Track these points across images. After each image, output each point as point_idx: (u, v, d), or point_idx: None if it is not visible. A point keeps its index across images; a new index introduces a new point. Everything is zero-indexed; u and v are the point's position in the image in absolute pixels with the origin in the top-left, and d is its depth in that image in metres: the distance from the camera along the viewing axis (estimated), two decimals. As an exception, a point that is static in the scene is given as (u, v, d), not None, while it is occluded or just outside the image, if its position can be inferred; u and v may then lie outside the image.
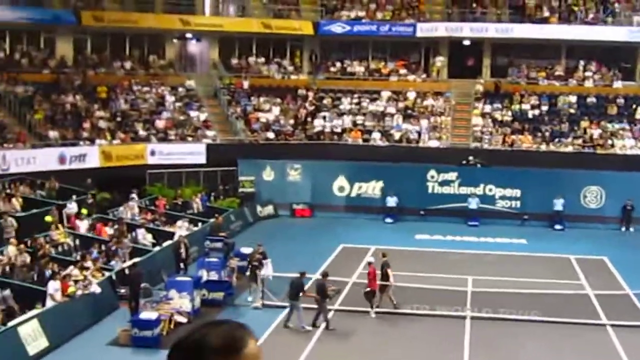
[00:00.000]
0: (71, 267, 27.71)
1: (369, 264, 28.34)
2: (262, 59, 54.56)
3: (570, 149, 47.22)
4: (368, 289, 27.67)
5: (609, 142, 47.41)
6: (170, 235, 35.18)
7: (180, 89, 50.36)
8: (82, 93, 46.92)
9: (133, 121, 46.46)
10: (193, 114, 48.61)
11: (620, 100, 50.36)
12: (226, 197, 44.50)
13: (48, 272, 26.96)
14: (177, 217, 38.23)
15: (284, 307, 27.23)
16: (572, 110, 50.14)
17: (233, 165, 45.43)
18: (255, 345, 2.47)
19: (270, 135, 48.36)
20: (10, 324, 23.28)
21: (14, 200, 35.14)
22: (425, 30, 52.61)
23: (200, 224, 38.09)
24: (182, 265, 31.12)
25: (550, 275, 33.04)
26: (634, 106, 49.94)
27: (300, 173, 45.76)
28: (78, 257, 30.07)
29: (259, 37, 53.82)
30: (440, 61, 53.97)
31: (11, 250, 28.82)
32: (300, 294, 25.87)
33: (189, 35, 53.64)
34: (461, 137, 49.14)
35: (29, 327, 23.42)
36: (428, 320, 27.00)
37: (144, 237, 34.38)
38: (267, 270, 28.90)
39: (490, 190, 44.77)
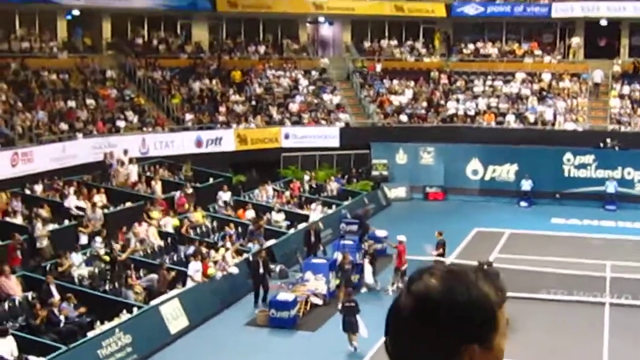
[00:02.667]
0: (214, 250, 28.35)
1: (400, 242, 28.65)
2: (395, 42, 54.47)
3: None
4: (396, 267, 28.28)
5: None
6: (305, 217, 35.55)
7: (313, 73, 50.72)
8: (217, 77, 47.76)
9: (267, 105, 47.05)
10: (326, 97, 48.92)
11: None
12: (359, 180, 44.66)
13: (190, 250, 27.72)
14: (312, 199, 38.57)
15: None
16: None
17: (366, 149, 45.58)
18: None
19: (403, 118, 48.26)
20: (153, 302, 23.99)
21: (153, 183, 36.04)
22: (561, 10, 51.57)
23: (334, 206, 38.34)
24: (315, 248, 31.30)
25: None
26: None
27: (433, 156, 45.56)
28: (217, 239, 30.71)
29: (392, 19, 53.75)
30: (576, 42, 52.83)
31: (152, 232, 29.65)
32: None
33: (321, 18, 53.96)
34: (598, 119, 48.07)
35: (171, 307, 24.13)
36: (566, 305, 26.61)
37: (278, 220, 34.85)
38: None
39: (629, 173, 43.66)
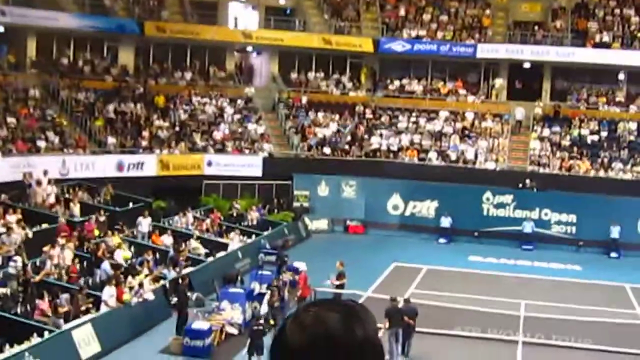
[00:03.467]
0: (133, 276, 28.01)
1: (299, 271, 30.11)
2: (322, 75, 54.72)
3: (629, 176, 46.68)
4: (300, 296, 28.84)
5: (669, 170, 46.84)
6: (224, 246, 35.40)
7: (239, 101, 50.69)
8: (142, 102, 47.42)
9: (191, 131, 46.83)
10: (251, 126, 48.88)
11: (682, 129, 49.72)
12: (280, 211, 44.65)
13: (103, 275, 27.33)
14: (231, 228, 38.43)
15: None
16: (632, 137, 49.58)
17: (288, 179, 45.63)
18: None
19: (327, 150, 48.43)
20: (65, 327, 23.55)
21: (72, 205, 35.54)
22: (486, 51, 52.40)
23: (254, 236, 38.27)
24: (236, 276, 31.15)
25: (605, 303, 32.63)
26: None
27: (355, 189, 45.82)
28: (135, 264, 30.37)
29: (319, 52, 53.99)
30: (499, 83, 53.69)
31: (67, 255, 29.16)
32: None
33: (249, 48, 54.00)
34: (518, 159, 48.81)
35: (83, 331, 23.69)
36: (480, 343, 26.82)
37: (197, 247, 34.64)
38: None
39: (546, 214, 44.45)
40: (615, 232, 42.95)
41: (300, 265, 31.57)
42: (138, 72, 50.30)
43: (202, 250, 34.64)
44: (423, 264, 37.59)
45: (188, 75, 51.27)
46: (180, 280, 28.35)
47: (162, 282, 29.09)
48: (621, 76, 53.25)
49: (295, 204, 45.24)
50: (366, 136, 49.89)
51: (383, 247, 40.81)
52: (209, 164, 44.71)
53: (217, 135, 47.13)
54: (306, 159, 47.86)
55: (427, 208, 45.37)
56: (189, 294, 27.81)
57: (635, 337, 27.74)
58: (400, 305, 25.42)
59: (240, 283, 30.61)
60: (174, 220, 38.38)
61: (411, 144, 49.21)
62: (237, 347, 25.27)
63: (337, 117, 51.18)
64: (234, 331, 26.48)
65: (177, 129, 46.73)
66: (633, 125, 50.16)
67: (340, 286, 29.40)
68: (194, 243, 34.91)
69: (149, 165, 42.85)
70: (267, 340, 22.95)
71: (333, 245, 40.98)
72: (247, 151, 46.80)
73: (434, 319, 27.81)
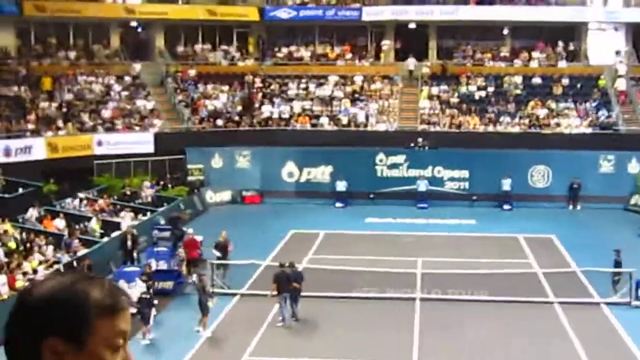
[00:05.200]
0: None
1: (187, 235, 31.15)
2: (209, 46, 54.26)
3: (517, 129, 47.54)
4: (186, 259, 29.97)
5: (555, 121, 47.82)
6: (118, 225, 34.98)
7: (126, 78, 49.89)
8: (26, 84, 46.31)
9: (79, 111, 45.97)
10: (140, 102, 48.22)
11: (565, 80, 50.76)
12: (175, 186, 44.26)
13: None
14: (125, 207, 37.98)
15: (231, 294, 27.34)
16: (518, 91, 50.47)
17: (181, 154, 45.24)
18: (128, 308, 2.33)
19: (219, 122, 48.13)
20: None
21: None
22: (371, 14, 52.65)
23: (149, 213, 37.92)
24: (131, 255, 30.93)
25: (499, 255, 33.30)
26: (579, 85, 50.40)
27: (249, 160, 45.70)
28: (25, 250, 29.80)
29: (205, 24, 53.50)
30: (386, 45, 54.00)
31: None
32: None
33: (133, 23, 53.11)
34: (409, 120, 49.25)
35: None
36: (379, 302, 27.09)
37: (95, 229, 34.17)
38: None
39: (439, 172, 45.02)
40: (506, 184, 43.78)
41: (189, 230, 32.00)
42: (20, 54, 49.04)
43: (98, 232, 34.17)
44: (321, 229, 37.76)
45: (72, 54, 50.18)
46: (77, 263, 27.93)
47: (56, 266, 28.58)
48: (505, 32, 54.10)
49: (190, 178, 44.92)
50: (257, 105, 49.72)
51: (280, 215, 40.85)
52: (99, 143, 43.95)
53: (106, 113, 46.38)
54: (198, 132, 47.48)
55: (322, 173, 45.52)
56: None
57: (529, 286, 28.42)
58: (287, 270, 25.65)
59: (137, 262, 30.36)
60: (65, 202, 37.71)
61: (302, 111, 49.24)
62: (135, 326, 25.02)
63: (226, 88, 50.86)
64: (132, 310, 26.18)
65: (64, 110, 45.79)
66: (518, 79, 51.04)
67: (223, 257, 29.56)
68: (91, 224, 34.44)
69: (37, 148, 41.86)
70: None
71: (230, 217, 40.83)
72: (137, 128, 46.19)
73: (333, 283, 28.02)
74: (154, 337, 24.16)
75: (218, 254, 29.58)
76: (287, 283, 25.24)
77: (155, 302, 24.98)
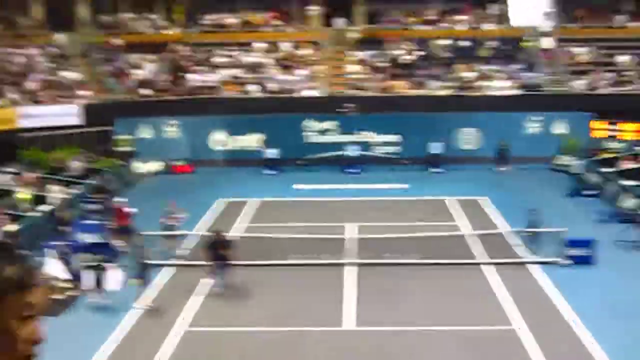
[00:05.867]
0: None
1: (115, 203, 31.42)
2: (134, 15, 53.58)
3: (445, 92, 47.85)
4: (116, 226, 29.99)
5: (483, 84, 48.21)
6: (46, 199, 34.51)
7: (49, 49, 49.07)
8: (-54, 58, 45.36)
9: (2, 84, 45.12)
10: (65, 74, 47.49)
11: (492, 43, 51.15)
12: (103, 158, 43.76)
13: None
14: (53, 180, 37.46)
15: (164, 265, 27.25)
16: (445, 54, 50.73)
17: (109, 125, 44.73)
18: (42, 287, 2.59)
19: (147, 92, 47.65)
20: None
21: None
22: (297, -21, 52.45)
23: (78, 185, 37.49)
24: (65, 228, 30.67)
25: (430, 217, 33.56)
26: (505, 47, 50.83)
27: (178, 129, 45.39)
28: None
29: (129, -8, 52.84)
30: (313, 10, 53.85)
31: None
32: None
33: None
34: (338, 85, 49.25)
35: None
36: (311, 269, 27.17)
37: (21, 202, 33.67)
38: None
39: (369, 137, 45.19)
40: (436, 147, 44.13)
41: (120, 199, 31.93)
42: (-62, 27, 47.96)
43: (28, 205, 33.66)
44: (252, 197, 37.70)
45: (-7, 25, 49.24)
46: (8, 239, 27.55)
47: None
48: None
49: (118, 149, 44.48)
50: (184, 74, 49.29)
51: (210, 184, 40.71)
52: (24, 116, 43.24)
53: (30, 86, 45.61)
54: (126, 102, 46.95)
55: (251, 141, 45.43)
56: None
57: (458, 247, 28.77)
58: (216, 238, 25.70)
59: (68, 235, 30.01)
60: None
61: (231, 79, 48.95)
62: (66, 303, 24.83)
63: (153, 57, 50.33)
64: (65, 286, 25.92)
65: (-14, 83, 44.94)
66: (445, 42, 51.29)
67: (171, 226, 29.35)
68: (20, 195, 33.97)
69: (-40, 123, 41.13)
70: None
71: (160, 187, 40.64)
72: (63, 100, 45.49)
73: (265, 251, 28.05)
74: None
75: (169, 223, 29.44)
76: (218, 251, 25.28)
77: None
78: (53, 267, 25.79)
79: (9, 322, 2.48)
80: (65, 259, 25.97)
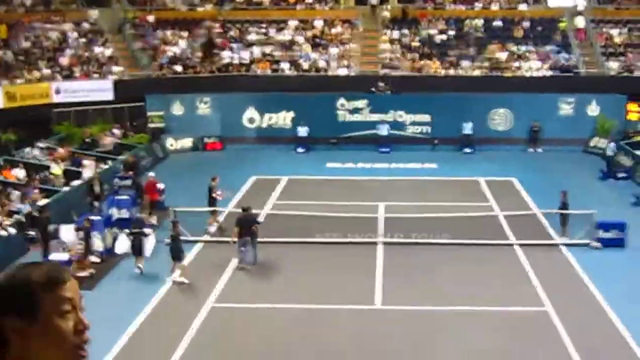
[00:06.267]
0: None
1: (148, 177, 32.39)
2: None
3: (478, 72, 47.60)
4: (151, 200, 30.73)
5: (516, 64, 47.91)
6: (79, 174, 34.72)
7: (83, 25, 49.22)
8: (-19, 32, 45.60)
9: (36, 59, 45.35)
10: (98, 49, 47.64)
11: (526, 23, 50.80)
12: (136, 134, 43.96)
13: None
14: (86, 155, 37.68)
15: (194, 242, 27.39)
16: (479, 34, 50.43)
17: (141, 101, 44.88)
18: (73, 280, 2.66)
19: (178, 68, 47.74)
20: None
21: None
22: (330, -44, 52.22)
23: (110, 161, 37.69)
24: (96, 203, 30.86)
25: (461, 198, 33.47)
26: (540, 28, 50.46)
27: (209, 106, 45.46)
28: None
29: (163, -31, 52.82)
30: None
31: None
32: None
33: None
34: (370, 64, 49.08)
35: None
36: (341, 248, 27.20)
37: (54, 177, 33.89)
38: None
39: (400, 116, 45.06)
40: (467, 128, 43.96)
41: (151, 174, 32.54)
42: (-27, 2, 48.22)
43: (61, 180, 33.89)
44: (282, 175, 37.74)
45: (28, 1, 49.40)
46: (39, 213, 27.78)
47: (16, 217, 28.38)
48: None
49: (150, 125, 44.65)
50: (217, 51, 49.30)
51: (242, 162, 40.74)
52: (57, 91, 43.38)
53: (63, 61, 45.82)
54: (158, 78, 47.06)
55: (283, 119, 45.43)
56: (50, 226, 27.22)
57: (490, 228, 28.67)
58: (247, 214, 25.93)
59: (99, 210, 30.18)
60: (24, 152, 37.35)
61: (263, 56, 48.91)
62: (100, 275, 25.03)
63: (186, 33, 50.37)
64: (96, 259, 26.15)
65: (20, 58, 45.15)
66: (479, 22, 50.99)
67: (214, 200, 30.02)
68: (53, 169, 34.20)
69: (-6, 97, 41.37)
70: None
71: (191, 164, 40.78)
72: (95, 75, 45.68)
73: (296, 228, 28.11)
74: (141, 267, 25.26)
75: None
76: (248, 227, 25.41)
77: (148, 231, 26.41)
78: (69, 235, 26.07)
79: (52, 320, 2.57)
80: (88, 233, 26.14)
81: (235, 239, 25.48)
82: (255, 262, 25.55)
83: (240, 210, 26.73)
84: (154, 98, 45.12)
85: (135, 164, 35.80)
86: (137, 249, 25.54)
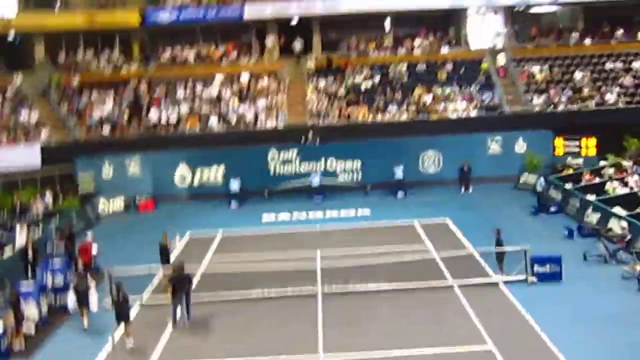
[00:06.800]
0: None
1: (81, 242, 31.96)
2: (91, 53, 53.40)
3: (405, 116, 48.03)
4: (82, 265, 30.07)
5: (442, 106, 48.46)
6: (12, 241, 34.18)
7: (7, 91, 48.74)
8: None
9: (-39, 128, 44.81)
10: (23, 115, 47.17)
11: (449, 65, 51.54)
12: (66, 198, 43.46)
13: None
14: (17, 222, 37.13)
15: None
16: (403, 79, 50.96)
17: (71, 164, 44.47)
18: None
19: (106, 130, 47.42)
20: None
21: None
22: (253, 11, 52.43)
23: (41, 226, 37.18)
24: (30, 270, 30.35)
25: (397, 242, 33.52)
26: (463, 70, 51.17)
27: (139, 166, 45.21)
28: None
29: (86, 31, 52.55)
30: (270, 41, 54.02)
31: None
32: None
33: (11, 35, 51.78)
34: (298, 114, 49.27)
35: None
36: (281, 300, 27.05)
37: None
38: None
39: (331, 164, 45.33)
40: (399, 172, 44.28)
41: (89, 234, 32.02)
42: None
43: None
44: (217, 230, 37.52)
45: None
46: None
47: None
48: (387, 21, 54.67)
49: (81, 188, 44.21)
50: (144, 111, 49.10)
51: (175, 220, 40.40)
52: (-16, 159, 42.88)
53: (-11, 128, 45.30)
54: (86, 141, 46.71)
55: (214, 174, 45.39)
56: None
57: (427, 270, 28.77)
58: (179, 272, 25.79)
59: (32, 277, 29.67)
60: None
61: (191, 113, 48.81)
62: (37, 343, 24.55)
63: (112, 94, 50.11)
64: (31, 328, 25.62)
65: (-56, 128, 44.56)
66: (403, 67, 51.56)
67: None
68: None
69: None
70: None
71: (125, 226, 40.42)
72: (22, 141, 45.16)
73: (233, 284, 27.91)
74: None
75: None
76: (182, 285, 25.29)
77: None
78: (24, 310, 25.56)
79: None
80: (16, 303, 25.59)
81: (170, 297, 25.25)
82: (188, 320, 25.32)
83: (172, 270, 26.41)
84: (83, 160, 44.79)
85: (67, 229, 35.31)
86: (82, 302, 25.64)
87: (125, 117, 48.50)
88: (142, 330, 24.95)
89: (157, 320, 25.66)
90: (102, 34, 53.39)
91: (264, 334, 24.13)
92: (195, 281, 27.79)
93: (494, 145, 45.56)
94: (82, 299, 25.89)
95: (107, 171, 45.14)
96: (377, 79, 51.10)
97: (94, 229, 39.40)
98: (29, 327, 25.49)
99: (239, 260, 31.17)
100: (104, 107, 49.09)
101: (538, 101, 48.42)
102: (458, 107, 48.34)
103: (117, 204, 44.31)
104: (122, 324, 24.05)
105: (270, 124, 48.09)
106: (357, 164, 45.37)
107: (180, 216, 41.45)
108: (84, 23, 51.67)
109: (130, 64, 52.98)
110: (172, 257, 31.34)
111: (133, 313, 26.05)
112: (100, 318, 25.58)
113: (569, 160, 44.77)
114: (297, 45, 53.49)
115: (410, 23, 54.69)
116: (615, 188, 37.03)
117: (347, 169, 45.49)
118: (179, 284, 25.27)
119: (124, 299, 24.20)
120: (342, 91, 50.17)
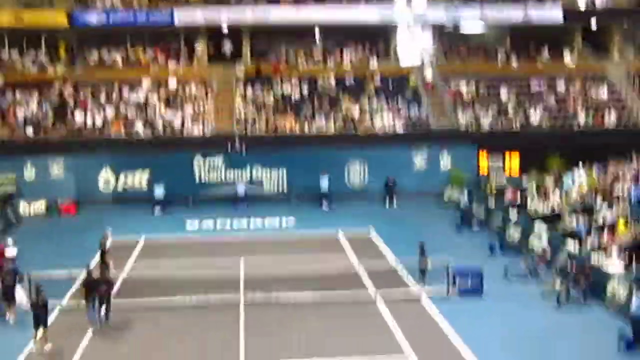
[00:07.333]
0: None
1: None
2: (16, 53, 52.59)
3: (332, 129, 48.15)
4: None
5: (369, 119, 48.69)
6: None
7: None
8: None
9: None
10: (-55, 113, 46.33)
11: (377, 79, 51.82)
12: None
13: None
14: None
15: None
16: (332, 91, 51.10)
17: (-9, 165, 43.81)
18: None
19: (30, 130, 46.68)
20: None
21: None
22: (183, 17, 52.13)
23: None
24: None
25: (320, 252, 33.58)
26: (391, 84, 51.51)
27: (63, 169, 44.63)
28: None
29: (11, 30, 51.70)
30: (200, 48, 53.82)
31: None
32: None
33: None
34: (225, 122, 49.07)
35: None
36: (203, 308, 26.85)
37: None
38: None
39: (257, 173, 45.30)
40: (324, 184, 44.39)
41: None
42: None
43: None
44: (140, 237, 37.12)
45: None
46: None
47: None
48: (317, 33, 54.83)
49: (1, 190, 43.47)
50: (69, 113, 48.44)
51: (98, 225, 39.77)
52: None
53: None
54: (9, 142, 45.95)
55: (139, 180, 45.03)
56: None
57: (349, 281, 28.84)
58: (94, 276, 25.93)
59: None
60: None
61: (116, 117, 48.30)
62: None
63: (36, 95, 49.34)
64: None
65: None
66: (332, 79, 51.70)
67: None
68: None
69: None
70: None
71: (45, 228, 39.84)
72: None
73: (153, 291, 27.62)
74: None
75: None
76: (94, 288, 25.29)
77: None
78: None
79: None
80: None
81: (83, 299, 25.25)
82: (106, 321, 25.08)
83: (86, 273, 26.11)
84: (5, 161, 44.03)
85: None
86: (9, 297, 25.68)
87: (50, 118, 47.79)
88: (62, 334, 24.54)
89: (77, 325, 25.26)
90: (28, 33, 52.55)
91: (185, 342, 23.89)
92: (116, 287, 27.50)
93: (419, 160, 45.97)
94: (8, 293, 25.71)
95: (29, 173, 44.44)
96: (305, 90, 51.13)
97: (14, 232, 38.84)
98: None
99: (161, 267, 30.88)
100: (29, 107, 48.33)
101: (464, 118, 48.97)
102: (385, 121, 48.60)
103: (39, 206, 43.61)
104: (40, 328, 23.58)
105: (197, 131, 47.83)
106: (283, 172, 45.41)
107: (103, 221, 40.84)
108: (10, 21, 50.82)
109: (56, 65, 52.25)
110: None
111: (52, 317, 25.64)
112: (28, 315, 25.05)
113: (493, 177, 45.29)
114: (227, 52, 53.33)
115: (340, 35, 54.91)
116: (537, 206, 37.52)
117: (272, 178, 45.48)
118: (91, 287, 25.36)
119: (42, 303, 23.81)
120: (270, 100, 50.12)
